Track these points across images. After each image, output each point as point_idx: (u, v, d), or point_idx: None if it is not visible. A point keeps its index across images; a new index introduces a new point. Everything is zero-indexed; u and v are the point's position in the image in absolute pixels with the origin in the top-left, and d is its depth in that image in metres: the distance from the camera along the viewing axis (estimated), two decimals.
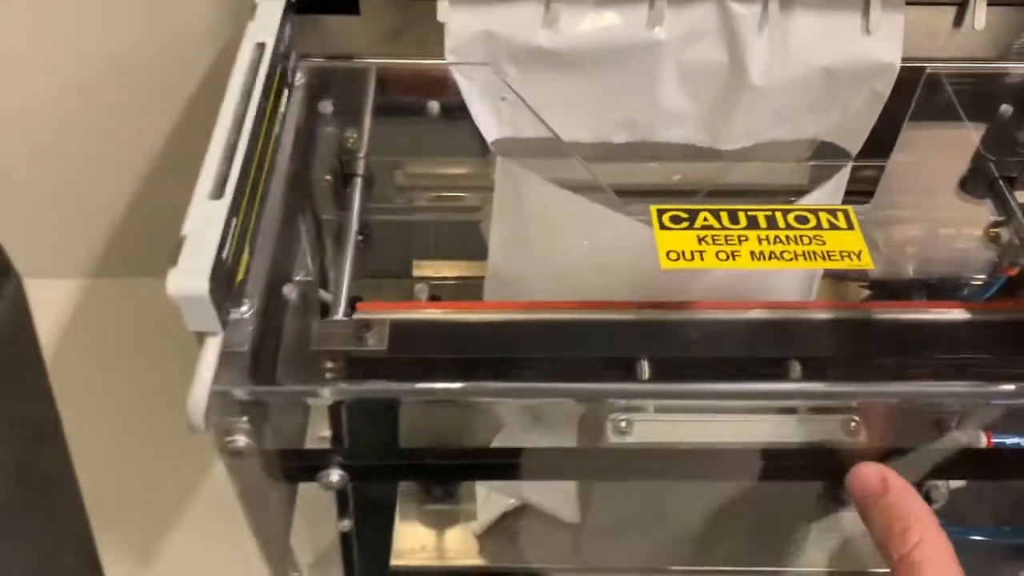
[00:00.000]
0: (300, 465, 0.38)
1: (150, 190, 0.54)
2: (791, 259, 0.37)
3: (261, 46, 0.39)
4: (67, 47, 0.48)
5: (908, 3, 0.46)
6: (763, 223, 0.38)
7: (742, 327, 0.42)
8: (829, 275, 0.53)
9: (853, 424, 0.42)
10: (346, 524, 0.41)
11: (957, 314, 0.43)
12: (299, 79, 0.44)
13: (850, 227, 0.38)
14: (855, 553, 0.59)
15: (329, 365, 0.38)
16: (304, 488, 0.46)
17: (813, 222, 0.39)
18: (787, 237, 0.38)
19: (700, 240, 0.38)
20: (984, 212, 0.49)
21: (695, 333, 0.42)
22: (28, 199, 0.55)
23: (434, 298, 0.57)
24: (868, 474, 0.37)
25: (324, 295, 0.48)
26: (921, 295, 0.54)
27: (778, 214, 0.39)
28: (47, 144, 0.53)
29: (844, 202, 0.50)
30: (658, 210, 0.39)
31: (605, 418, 0.42)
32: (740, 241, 0.38)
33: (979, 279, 0.52)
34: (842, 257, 0.37)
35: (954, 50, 0.47)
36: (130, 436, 0.65)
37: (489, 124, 0.49)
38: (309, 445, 0.40)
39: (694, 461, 0.41)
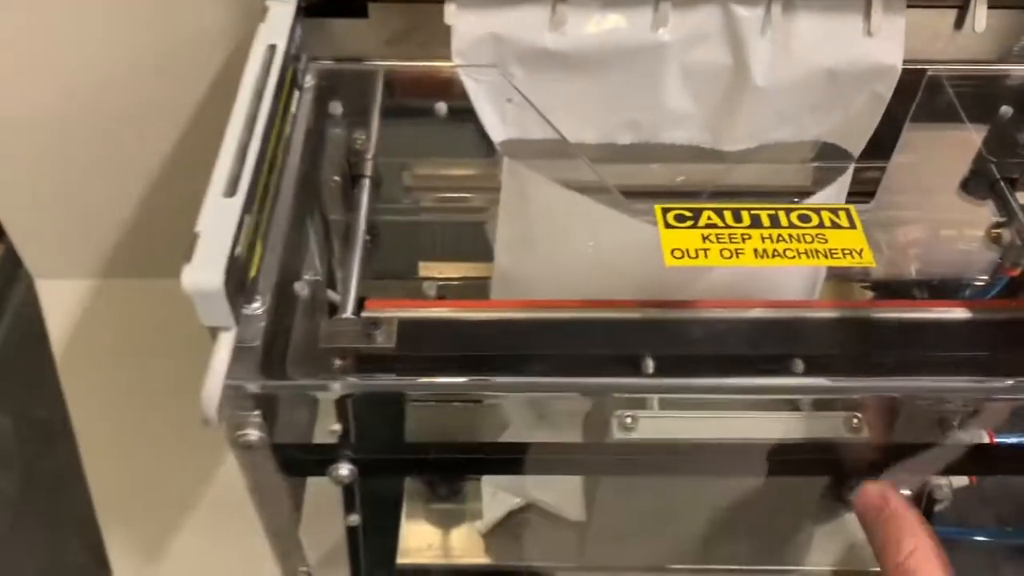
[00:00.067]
0: (310, 459, 0.38)
1: (160, 191, 0.55)
2: (794, 257, 0.38)
3: (272, 48, 0.40)
4: (77, 49, 0.49)
5: (909, 5, 0.46)
6: (766, 222, 0.39)
7: (746, 325, 0.43)
8: (832, 276, 0.54)
9: (855, 421, 0.43)
10: (354, 519, 0.42)
11: (959, 313, 0.43)
12: (308, 81, 0.45)
13: (852, 226, 0.39)
14: (857, 553, 0.59)
15: (338, 362, 0.39)
16: (312, 485, 0.47)
17: (815, 221, 0.39)
18: (790, 235, 0.39)
19: (704, 238, 0.38)
20: (986, 213, 0.49)
21: (700, 331, 0.43)
22: (39, 201, 0.56)
23: (440, 298, 0.58)
24: (871, 491, 0.42)
25: (332, 295, 0.49)
26: (923, 296, 0.54)
27: (781, 213, 0.39)
28: (58, 146, 0.53)
29: (846, 202, 0.50)
30: (663, 209, 0.39)
31: (610, 415, 0.43)
32: (744, 239, 0.38)
33: (981, 280, 0.53)
34: (844, 255, 0.38)
35: (955, 52, 0.48)
36: (139, 435, 0.66)
37: (495, 125, 0.49)
38: (318, 440, 0.41)
39: (698, 457, 0.41)
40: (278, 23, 0.41)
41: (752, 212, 0.39)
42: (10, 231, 0.57)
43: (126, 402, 0.65)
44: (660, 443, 0.41)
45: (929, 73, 0.47)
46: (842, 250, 0.38)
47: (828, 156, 0.51)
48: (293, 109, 0.42)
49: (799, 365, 0.39)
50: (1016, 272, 0.50)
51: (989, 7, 0.46)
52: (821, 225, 0.39)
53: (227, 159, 0.35)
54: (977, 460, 0.42)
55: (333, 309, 0.48)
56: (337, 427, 0.37)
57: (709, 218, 0.39)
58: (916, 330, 0.43)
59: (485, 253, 0.55)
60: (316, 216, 0.47)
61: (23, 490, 0.82)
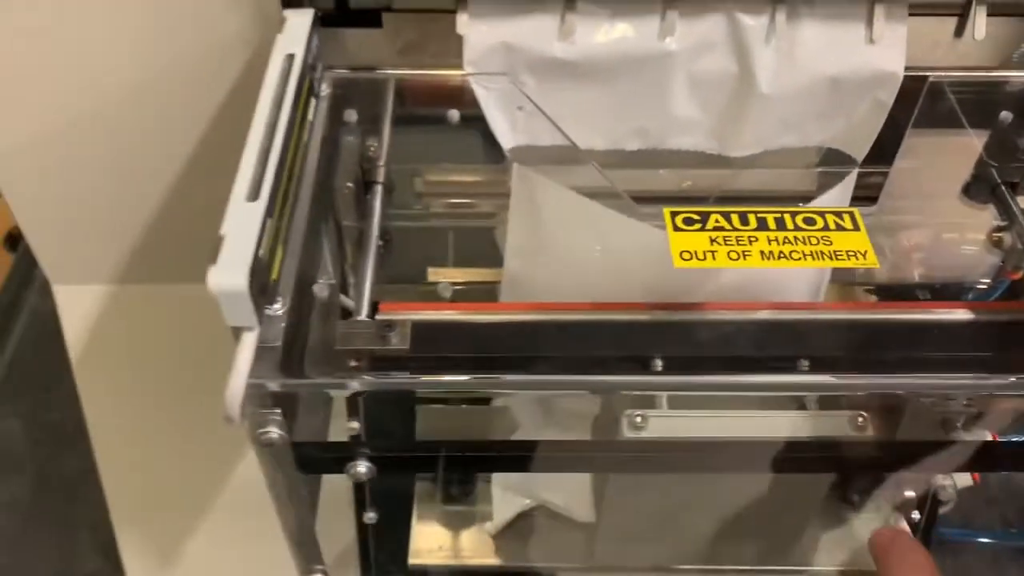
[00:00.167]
0: (329, 457, 0.39)
1: (177, 197, 0.56)
2: (800, 259, 0.39)
3: (290, 57, 0.41)
4: (97, 57, 0.50)
5: (910, 14, 0.47)
6: (772, 225, 0.40)
7: (753, 327, 0.44)
8: (835, 279, 0.55)
9: (861, 420, 0.44)
10: (371, 516, 0.43)
11: (961, 314, 0.44)
12: (324, 89, 0.46)
13: (856, 228, 0.40)
14: (863, 553, 0.60)
15: (353, 363, 0.40)
16: (324, 484, 0.48)
17: (820, 223, 0.40)
18: (795, 238, 0.40)
19: (712, 241, 0.39)
20: (987, 217, 0.50)
21: (707, 332, 0.44)
22: (57, 207, 0.57)
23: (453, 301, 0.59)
24: (883, 533, 0.49)
25: (345, 300, 0.50)
26: (926, 298, 0.55)
27: (786, 216, 0.40)
28: (76, 153, 0.54)
29: (850, 206, 0.51)
30: (671, 212, 0.40)
31: (620, 414, 0.44)
32: (750, 242, 0.39)
33: (983, 283, 0.54)
34: (848, 256, 0.39)
35: (956, 59, 0.49)
36: (153, 439, 0.67)
37: (505, 132, 0.50)
38: (333, 438, 0.42)
39: (707, 455, 0.42)
40: (295, 33, 0.43)
41: (759, 215, 0.40)
42: (29, 236, 0.58)
43: (141, 406, 0.65)
44: (669, 441, 0.42)
45: (930, 80, 0.48)
46: (847, 252, 0.39)
47: (832, 162, 0.52)
48: (310, 117, 0.43)
49: (805, 365, 0.41)
50: (1017, 275, 0.51)
51: (988, 15, 0.47)
52: (826, 228, 0.40)
53: (249, 164, 0.36)
54: (980, 458, 0.42)
55: (344, 313, 0.49)
56: (356, 425, 0.38)
57: (717, 221, 0.40)
58: (919, 331, 0.44)
59: (494, 258, 0.57)
60: (331, 221, 0.48)
61: (36, 493, 0.83)
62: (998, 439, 0.42)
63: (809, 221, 0.40)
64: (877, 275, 0.55)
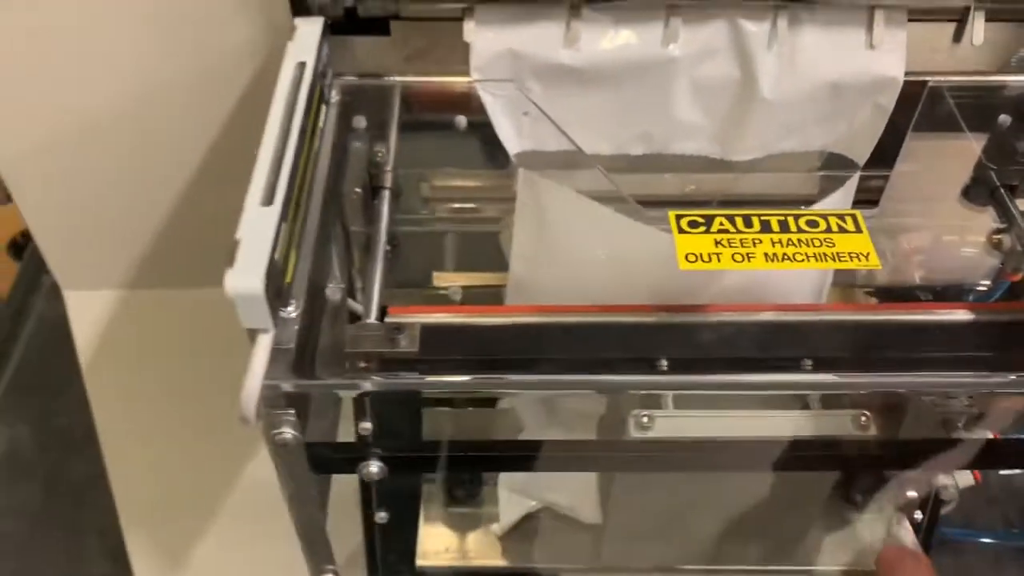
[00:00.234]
0: (341, 457, 0.40)
1: (187, 203, 0.56)
2: (803, 260, 0.39)
3: (302, 65, 0.42)
4: (109, 64, 0.51)
5: (910, 19, 0.48)
6: (776, 227, 0.41)
7: (756, 328, 0.44)
8: (837, 282, 0.55)
9: (864, 419, 0.44)
10: (383, 516, 0.43)
11: (962, 315, 0.45)
12: (334, 96, 0.47)
13: (858, 230, 0.40)
14: (866, 554, 0.61)
15: (362, 366, 0.41)
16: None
17: (823, 226, 0.41)
18: (799, 240, 0.40)
19: (717, 243, 0.40)
20: (986, 219, 0.51)
21: (711, 334, 0.44)
22: (67, 213, 0.57)
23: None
24: (890, 550, 0.51)
25: (353, 305, 0.51)
26: (928, 300, 0.56)
27: (790, 219, 0.41)
28: (86, 159, 0.55)
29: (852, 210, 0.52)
30: (676, 215, 0.41)
31: (627, 414, 0.44)
32: (754, 244, 0.40)
33: (983, 285, 0.54)
34: (851, 258, 0.39)
35: (955, 64, 0.49)
36: (163, 444, 0.67)
37: (511, 138, 0.51)
38: (343, 439, 0.42)
39: (712, 454, 0.43)
40: (306, 41, 0.43)
41: (762, 218, 0.41)
42: (40, 242, 0.58)
43: (150, 411, 0.66)
44: (675, 441, 0.43)
45: (930, 84, 0.49)
46: (849, 253, 0.40)
47: (833, 165, 0.53)
48: (321, 123, 0.44)
49: (808, 364, 0.41)
50: (1017, 277, 0.51)
51: (987, 20, 0.48)
52: (829, 230, 0.40)
53: (263, 169, 0.37)
54: (982, 456, 0.43)
55: (352, 317, 0.50)
56: (368, 426, 0.38)
57: (721, 224, 0.41)
58: (921, 331, 0.44)
59: (499, 262, 0.57)
60: (341, 226, 0.48)
61: (45, 498, 0.83)
62: (999, 437, 0.43)
63: (812, 224, 0.41)
64: (878, 277, 0.56)
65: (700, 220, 0.41)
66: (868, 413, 0.43)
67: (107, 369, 0.64)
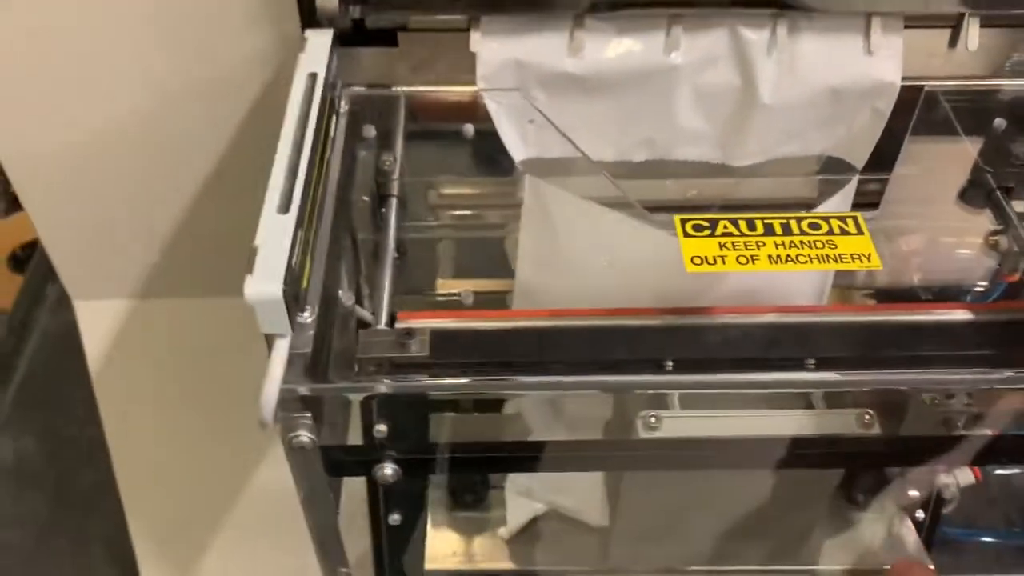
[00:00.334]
0: (356, 460, 0.40)
1: (197, 214, 0.57)
2: (806, 262, 0.40)
3: (313, 76, 0.42)
4: (120, 76, 0.51)
5: (906, 26, 0.49)
6: (779, 230, 0.42)
7: (760, 329, 0.45)
8: (838, 284, 0.56)
9: (867, 418, 0.45)
10: (396, 518, 0.44)
11: (961, 315, 0.46)
12: (343, 106, 0.48)
13: (859, 232, 0.41)
14: (868, 553, 0.61)
15: (372, 370, 0.41)
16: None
17: (825, 228, 0.42)
18: (801, 242, 0.41)
19: (721, 246, 0.41)
20: (984, 221, 0.52)
21: (716, 336, 0.45)
22: (78, 224, 0.58)
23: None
24: (903, 562, 0.53)
25: (361, 312, 0.51)
26: (928, 300, 0.56)
27: (792, 221, 0.42)
28: (96, 172, 0.55)
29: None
30: (681, 219, 0.42)
31: (635, 415, 0.45)
32: (758, 246, 0.41)
33: (980, 286, 0.55)
34: (852, 259, 0.40)
35: (950, 69, 0.50)
36: (172, 454, 0.68)
37: (517, 145, 0.52)
38: (353, 443, 0.43)
39: (718, 453, 0.43)
40: (316, 53, 0.44)
41: (765, 221, 0.42)
42: (51, 253, 0.59)
43: (160, 419, 0.67)
44: (683, 441, 0.44)
45: (926, 89, 0.50)
46: (851, 255, 0.40)
47: (832, 169, 0.54)
48: (332, 133, 0.45)
49: (811, 364, 0.42)
50: (1014, 277, 0.52)
51: (981, 26, 0.49)
52: (830, 232, 0.41)
53: (279, 178, 0.38)
54: (982, 452, 0.44)
55: (359, 323, 0.50)
56: (383, 428, 0.39)
57: (725, 227, 0.42)
58: (921, 331, 0.45)
59: (504, 269, 0.58)
60: (351, 233, 0.49)
61: (52, 509, 0.84)
62: (999, 433, 0.44)
63: (814, 226, 0.42)
64: (878, 279, 0.57)
65: (704, 224, 0.42)
66: (872, 412, 0.44)
67: (116, 378, 0.65)
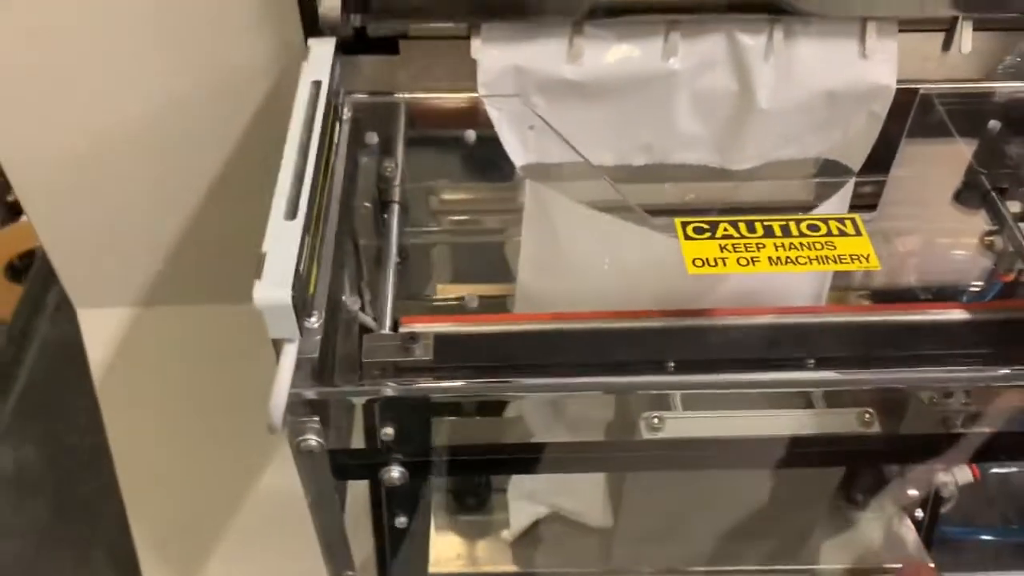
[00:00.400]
0: (363, 463, 0.41)
1: (200, 221, 0.57)
2: (805, 263, 0.41)
3: (317, 84, 0.43)
4: (123, 85, 0.52)
5: (900, 30, 0.50)
6: (778, 232, 0.42)
7: (760, 330, 0.45)
8: (836, 285, 0.57)
9: (868, 416, 0.46)
10: (402, 520, 0.44)
11: (958, 314, 0.46)
12: (346, 113, 0.48)
13: (858, 233, 0.42)
14: (867, 552, 0.62)
15: (377, 374, 0.42)
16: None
17: (824, 230, 0.42)
18: (800, 244, 0.42)
19: (722, 248, 0.41)
20: (979, 222, 0.52)
21: (717, 337, 0.45)
22: (81, 233, 0.58)
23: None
24: (911, 564, 0.53)
25: (363, 317, 0.52)
26: (928, 299, 0.57)
27: (791, 223, 0.42)
28: (100, 180, 0.56)
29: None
30: (682, 222, 0.42)
31: (638, 417, 0.46)
32: (758, 248, 0.41)
33: (976, 286, 0.56)
34: (851, 260, 0.41)
35: (945, 72, 0.51)
36: (175, 460, 0.68)
37: (517, 150, 0.52)
38: (356, 446, 0.43)
39: (721, 453, 0.44)
40: (319, 61, 0.45)
41: (765, 223, 0.42)
42: (54, 261, 0.59)
43: (163, 427, 0.67)
44: (685, 440, 0.44)
45: (921, 92, 0.51)
46: (850, 256, 0.41)
47: (829, 172, 0.55)
48: (336, 139, 0.45)
49: (811, 363, 0.42)
50: (1009, 277, 0.53)
51: (974, 30, 0.49)
52: (829, 234, 0.42)
53: (286, 184, 0.38)
54: (981, 449, 0.44)
55: (361, 328, 0.51)
56: (391, 431, 0.39)
57: (725, 229, 0.42)
58: (918, 330, 0.46)
59: (504, 273, 0.58)
60: (355, 239, 0.49)
61: (53, 516, 0.84)
62: (997, 431, 0.44)
63: (813, 228, 0.42)
64: (876, 279, 0.57)
65: (705, 227, 0.42)
66: (871, 411, 0.44)
67: (119, 386, 0.65)
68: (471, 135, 0.51)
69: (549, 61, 0.49)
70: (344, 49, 0.48)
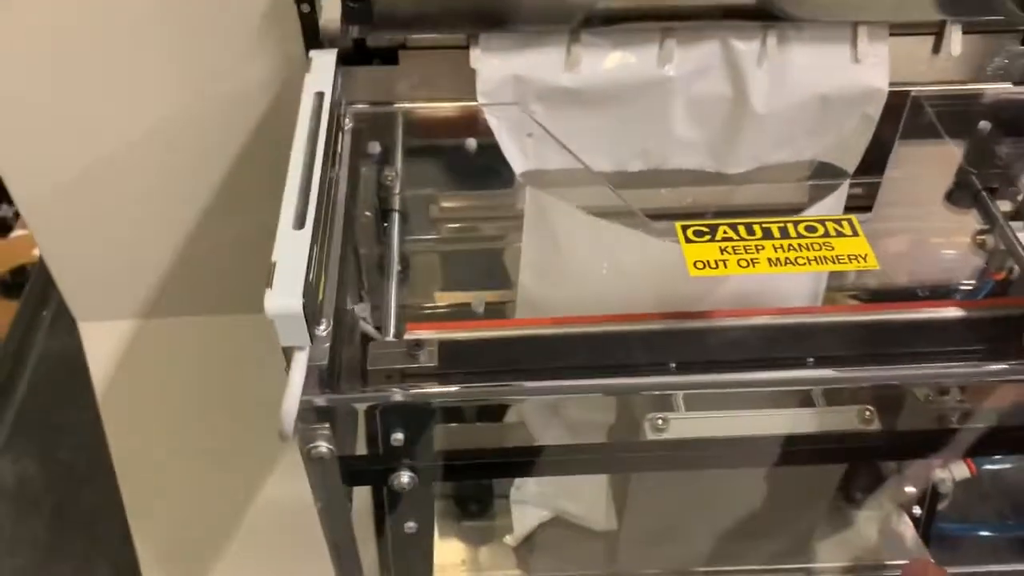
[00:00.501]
0: (373, 469, 0.41)
1: (201, 233, 0.58)
2: (805, 264, 0.42)
3: (320, 95, 0.43)
4: (125, 101, 0.52)
5: (891, 34, 0.51)
6: (777, 233, 0.43)
7: (759, 331, 0.46)
8: (831, 287, 0.57)
9: (868, 414, 0.46)
10: (411, 525, 0.45)
11: (952, 312, 0.47)
12: (347, 123, 0.49)
13: (855, 234, 0.42)
14: (866, 549, 0.62)
15: (383, 381, 0.42)
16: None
17: (821, 231, 0.43)
18: (799, 245, 0.42)
19: (722, 251, 0.42)
20: (971, 221, 0.53)
21: (717, 338, 0.46)
22: (84, 245, 0.58)
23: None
24: (915, 563, 0.54)
25: (365, 326, 0.52)
26: (925, 296, 0.58)
27: (789, 225, 0.43)
28: (102, 193, 0.56)
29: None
30: (682, 226, 0.43)
31: (642, 418, 0.46)
32: (758, 250, 0.42)
33: (969, 284, 0.57)
34: (850, 260, 0.42)
35: (935, 74, 0.52)
36: (179, 474, 0.68)
37: (517, 158, 0.53)
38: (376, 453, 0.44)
39: (724, 452, 0.44)
40: (322, 72, 0.45)
41: (764, 226, 0.43)
42: (55, 274, 0.59)
43: (166, 440, 0.67)
44: (689, 441, 0.45)
45: (913, 94, 0.52)
46: (848, 256, 0.42)
47: (824, 174, 0.55)
48: (339, 150, 0.46)
49: (810, 362, 0.43)
50: (1000, 275, 0.54)
51: (964, 33, 0.50)
52: (827, 234, 0.43)
53: (292, 195, 0.38)
54: (977, 443, 0.45)
55: (363, 337, 0.51)
56: (400, 437, 0.40)
57: (725, 232, 0.43)
58: (914, 328, 0.46)
59: (505, 279, 0.59)
60: (357, 247, 0.50)
61: (53, 531, 0.84)
62: (994, 425, 0.45)
63: (811, 229, 0.43)
64: (871, 280, 0.58)
65: (705, 230, 0.43)
66: (872, 408, 0.45)
67: (121, 399, 0.65)
68: (471, 143, 0.52)
69: (547, 69, 0.50)
70: (344, 60, 0.48)
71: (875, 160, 0.54)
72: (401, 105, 0.51)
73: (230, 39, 0.49)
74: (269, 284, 0.35)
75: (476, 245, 0.60)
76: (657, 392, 0.45)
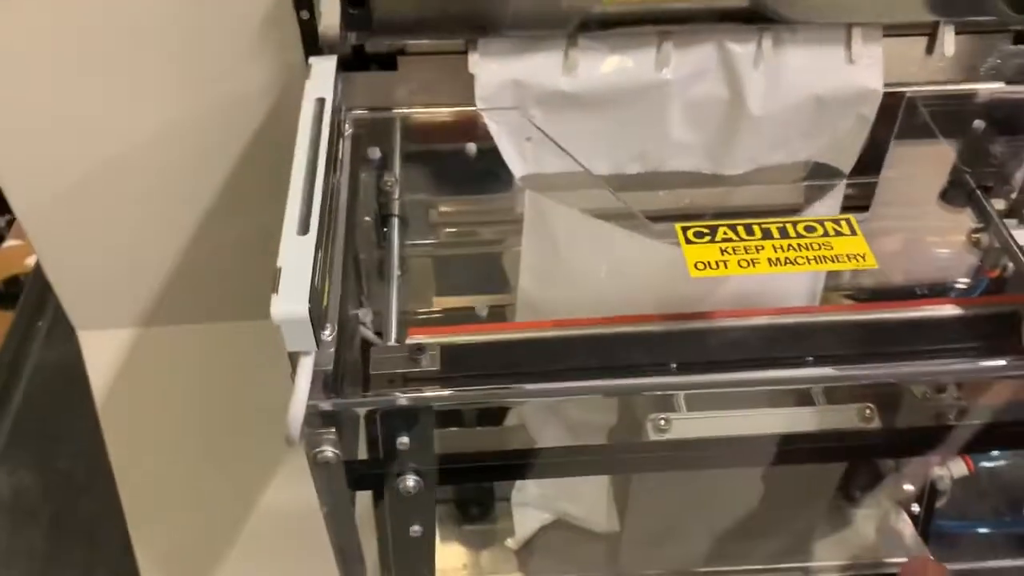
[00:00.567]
0: (379, 473, 0.41)
1: (201, 240, 0.58)
2: (804, 263, 0.42)
3: (321, 101, 0.44)
4: (124, 108, 0.52)
5: (885, 35, 0.51)
6: (776, 234, 0.43)
7: (760, 331, 0.46)
8: (829, 286, 0.58)
9: (868, 412, 0.47)
10: (416, 529, 0.45)
11: (948, 310, 0.47)
12: (347, 129, 0.49)
13: (853, 233, 0.43)
14: (864, 548, 0.63)
15: (386, 386, 0.42)
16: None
17: (820, 231, 0.43)
18: (798, 245, 0.43)
19: (722, 251, 0.42)
20: (966, 220, 0.54)
21: (718, 339, 0.46)
22: (83, 254, 0.58)
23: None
24: (915, 561, 0.54)
25: (364, 331, 0.52)
26: (924, 294, 0.58)
27: (788, 225, 0.43)
28: (102, 202, 0.56)
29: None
30: (683, 227, 0.43)
31: (644, 419, 0.46)
32: (757, 250, 0.42)
33: (964, 282, 0.57)
34: (849, 259, 0.42)
35: (929, 75, 0.53)
36: (179, 482, 0.68)
37: (516, 162, 0.53)
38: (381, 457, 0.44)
39: (726, 452, 0.45)
40: (322, 78, 0.45)
41: (763, 226, 0.43)
42: (55, 284, 0.59)
43: (166, 449, 0.67)
44: (692, 441, 0.45)
45: (907, 95, 0.52)
46: (847, 255, 0.42)
47: (820, 175, 0.56)
48: (340, 155, 0.46)
49: (810, 361, 0.43)
50: (995, 273, 0.54)
51: (957, 33, 0.51)
52: (826, 234, 0.43)
53: (296, 201, 0.39)
54: (975, 440, 0.45)
55: (363, 342, 0.51)
56: (405, 440, 0.40)
57: (725, 233, 0.43)
58: (911, 326, 0.47)
59: (504, 283, 0.59)
60: (358, 252, 0.50)
61: (51, 541, 0.83)
62: (992, 421, 0.45)
63: (810, 229, 0.43)
64: (868, 278, 0.59)
65: (705, 231, 0.43)
66: (872, 406, 0.45)
67: (122, 408, 0.65)
68: (470, 148, 0.52)
69: (545, 74, 0.50)
70: (343, 66, 0.48)
71: (871, 160, 0.54)
72: (400, 110, 0.52)
73: (230, 45, 0.49)
74: (275, 289, 0.35)
75: (476, 249, 0.60)
76: (659, 393, 0.45)
